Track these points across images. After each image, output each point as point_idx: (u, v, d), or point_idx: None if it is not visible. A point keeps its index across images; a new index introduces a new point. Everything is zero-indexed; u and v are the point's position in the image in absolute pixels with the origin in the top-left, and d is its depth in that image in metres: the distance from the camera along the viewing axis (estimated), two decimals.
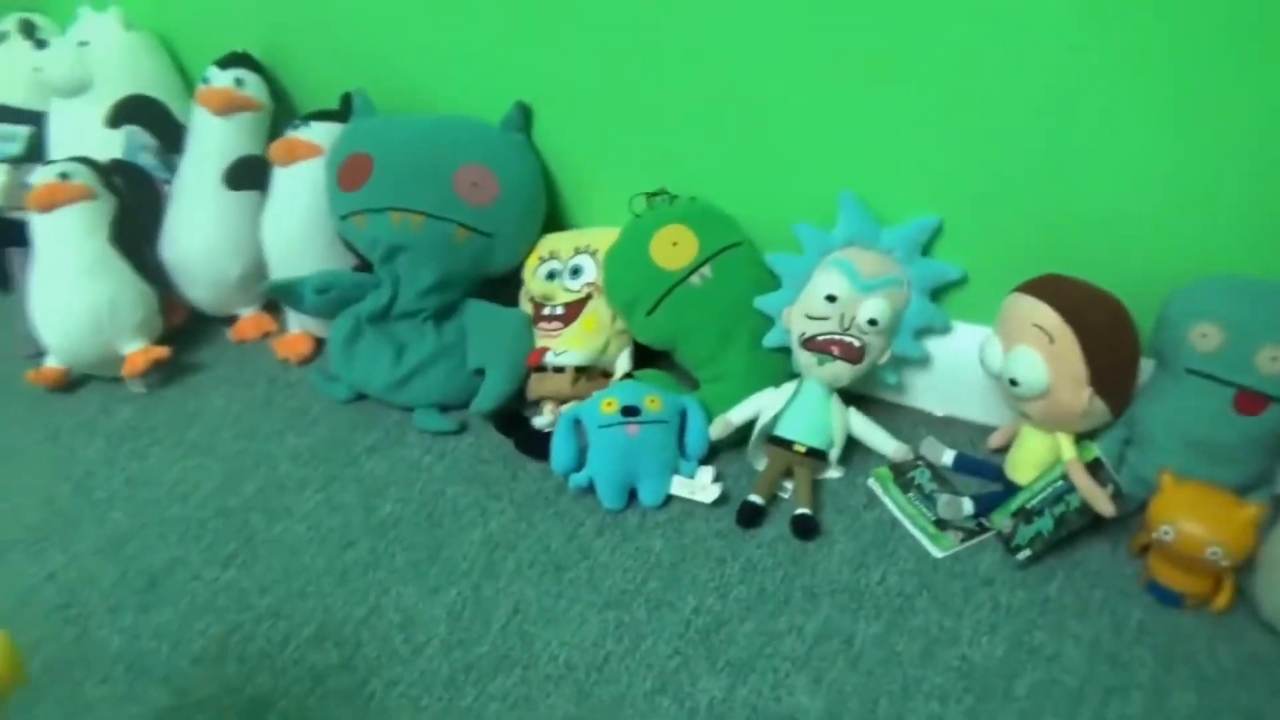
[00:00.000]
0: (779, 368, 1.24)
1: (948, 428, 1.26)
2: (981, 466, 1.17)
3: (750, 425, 1.20)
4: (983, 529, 1.10)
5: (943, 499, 1.11)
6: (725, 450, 1.24)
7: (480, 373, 1.34)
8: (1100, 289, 1.03)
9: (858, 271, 1.14)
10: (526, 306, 1.40)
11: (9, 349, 1.57)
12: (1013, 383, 1.04)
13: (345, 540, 1.20)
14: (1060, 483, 1.03)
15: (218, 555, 1.19)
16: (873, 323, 1.15)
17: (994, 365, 1.06)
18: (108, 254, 1.45)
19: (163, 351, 1.47)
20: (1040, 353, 1.01)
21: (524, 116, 1.38)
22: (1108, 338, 1.01)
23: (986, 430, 1.24)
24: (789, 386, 1.20)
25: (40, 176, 1.43)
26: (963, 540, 1.09)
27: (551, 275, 1.36)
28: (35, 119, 1.66)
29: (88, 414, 1.47)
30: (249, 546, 1.20)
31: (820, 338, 1.17)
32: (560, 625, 1.06)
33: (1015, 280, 1.07)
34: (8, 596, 1.16)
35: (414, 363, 1.35)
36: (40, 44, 1.57)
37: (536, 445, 1.26)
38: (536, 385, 1.33)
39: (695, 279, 1.23)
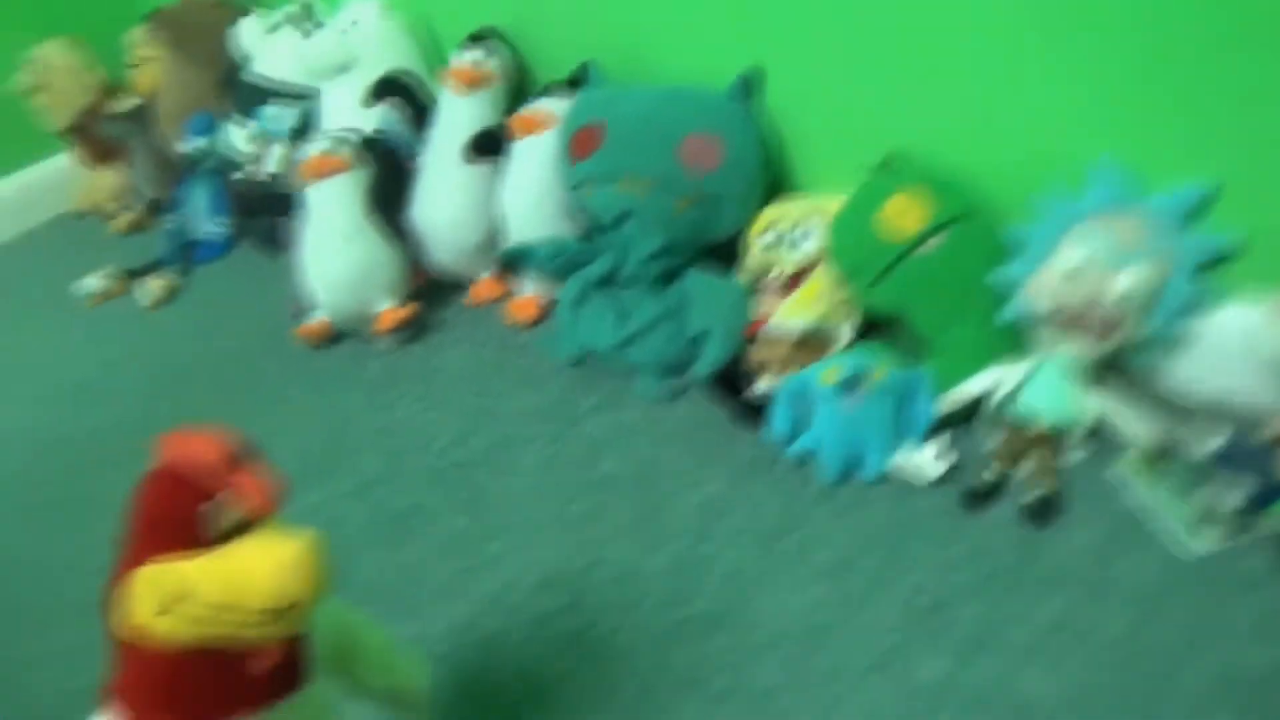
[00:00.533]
0: (1016, 341, 1.17)
1: (1215, 409, 1.13)
2: (1251, 458, 1.05)
3: (983, 401, 1.14)
4: (1251, 525, 0.98)
5: (1204, 490, 1.00)
6: (955, 427, 1.18)
7: (700, 339, 1.35)
8: None
9: (1111, 242, 1.05)
10: (749, 275, 1.39)
11: (280, 309, 1.74)
12: None
13: (568, 495, 1.24)
14: None
15: (454, 503, 1.28)
16: (1126, 299, 1.05)
17: (1273, 347, 0.95)
18: (365, 221, 1.58)
19: (410, 311, 1.59)
20: None
21: (750, 85, 1.37)
22: None
23: (1262, 414, 1.10)
24: (1029, 361, 1.12)
25: (310, 150, 1.57)
26: (1225, 539, 0.98)
27: (775, 243, 1.34)
28: (308, 96, 1.82)
29: (344, 367, 1.60)
30: (480, 496, 1.28)
31: (1069, 308, 1.08)
32: (775, 592, 1.05)
33: None
34: None
35: (637, 326, 1.37)
36: (316, 25, 1.73)
37: (754, 414, 1.26)
38: (756, 353, 1.32)
39: (924, 249, 1.17)
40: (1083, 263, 1.06)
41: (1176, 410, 1.13)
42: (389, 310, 1.58)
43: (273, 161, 1.81)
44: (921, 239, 1.17)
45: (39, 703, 1.11)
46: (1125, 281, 1.05)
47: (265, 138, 1.83)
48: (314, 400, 1.54)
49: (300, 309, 1.66)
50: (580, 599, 1.09)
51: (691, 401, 1.35)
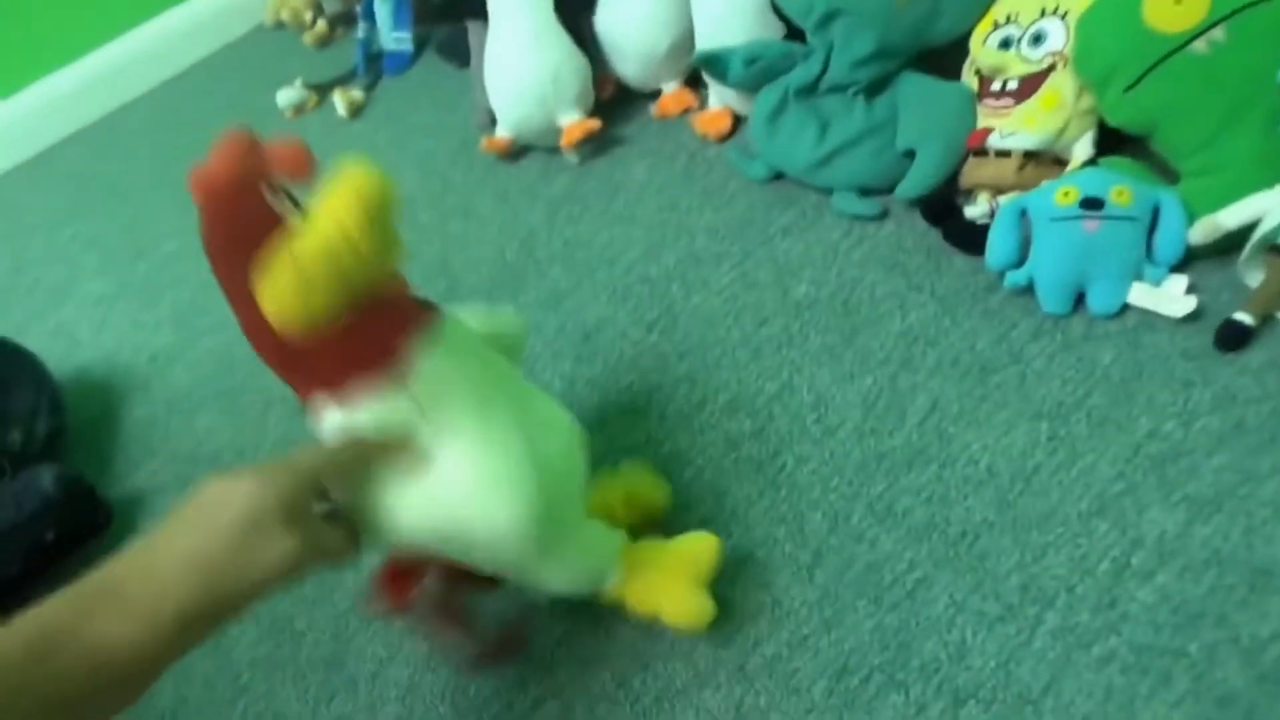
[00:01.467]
0: None
1: None
2: None
3: (1246, 232, 0.99)
4: None
5: None
6: (1207, 259, 1.04)
7: (911, 155, 1.23)
8: None
9: None
10: (971, 80, 1.24)
11: (467, 118, 1.73)
12: None
13: (759, 317, 1.19)
14: None
15: (642, 318, 1.25)
16: None
17: None
18: (552, 25, 1.51)
19: (595, 123, 1.53)
20: None
21: None
22: None
23: None
24: None
25: None
26: None
27: (1006, 43, 1.18)
28: None
29: (529, 180, 1.58)
30: (669, 313, 1.25)
31: None
32: (983, 428, 0.98)
33: None
34: None
35: (839, 140, 1.27)
36: None
37: (968, 237, 1.15)
38: (973, 171, 1.20)
39: (1200, 44, 1.00)
40: None
41: None
42: (574, 123, 1.53)
43: None
44: (1199, 31, 0.99)
45: None
46: None
47: None
48: (500, 212, 1.53)
49: (486, 120, 1.63)
50: (770, 424, 1.06)
51: (898, 222, 1.25)
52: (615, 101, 1.63)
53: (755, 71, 1.34)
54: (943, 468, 0.96)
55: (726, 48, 1.36)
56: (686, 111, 1.57)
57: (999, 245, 1.07)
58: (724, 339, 1.18)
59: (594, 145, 1.57)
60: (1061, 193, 1.04)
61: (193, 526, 0.63)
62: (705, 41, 1.44)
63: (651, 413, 1.13)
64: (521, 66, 1.52)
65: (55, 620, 0.58)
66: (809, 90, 1.29)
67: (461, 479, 0.72)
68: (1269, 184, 0.98)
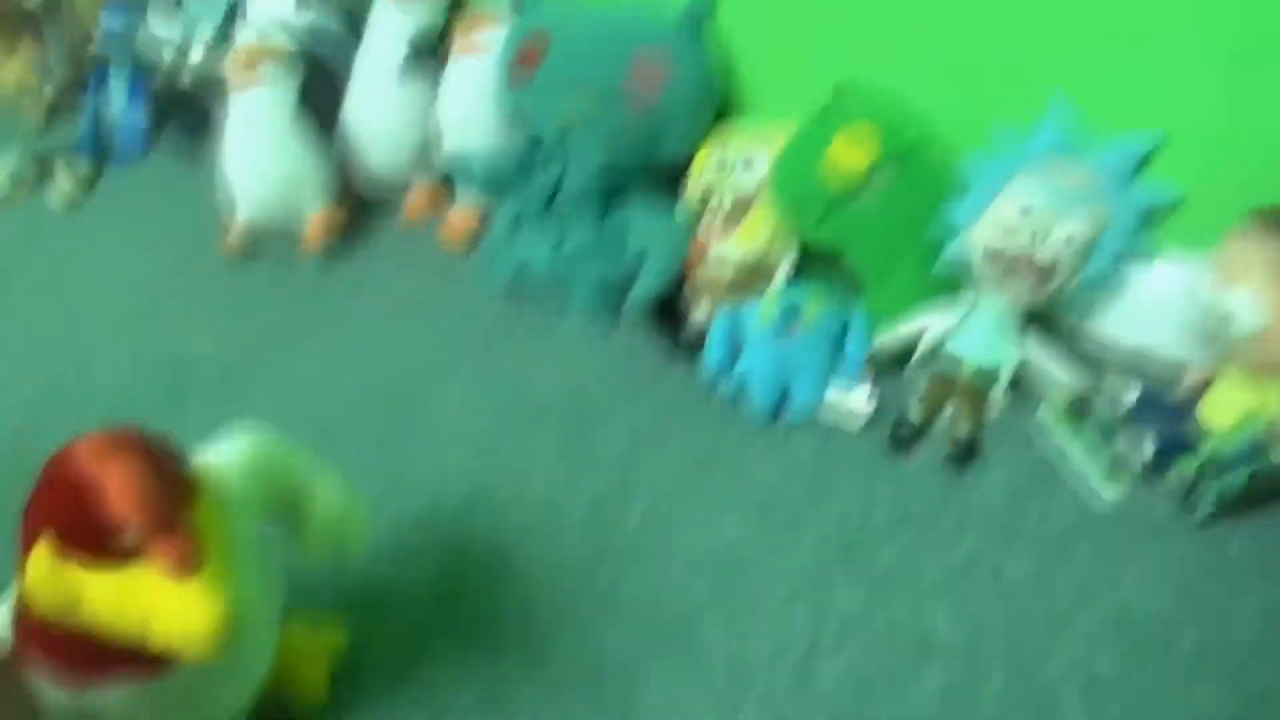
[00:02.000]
0: (952, 285, 1.17)
1: (1134, 362, 1.16)
2: (1169, 409, 1.07)
3: (915, 343, 1.15)
4: (1161, 476, 1.01)
5: (1122, 438, 1.03)
6: (887, 368, 1.19)
7: (639, 264, 1.33)
8: None
9: (1059, 185, 1.05)
10: (692, 201, 1.36)
11: (199, 216, 1.63)
12: (1224, 320, 0.94)
13: (495, 421, 1.23)
14: (1261, 437, 0.93)
15: (380, 424, 1.25)
16: (1068, 242, 1.06)
17: (1208, 299, 0.97)
18: (294, 128, 1.50)
19: (341, 215, 1.53)
20: (1267, 292, 0.91)
21: (704, 8, 1.32)
22: None
23: (1178, 369, 1.13)
24: (963, 303, 1.13)
25: (242, 40, 1.48)
26: (1135, 488, 1.01)
27: (720, 169, 1.32)
28: None
29: (268, 286, 1.52)
30: (408, 417, 1.25)
31: (1007, 253, 1.08)
32: (699, 525, 1.06)
33: (1237, 208, 0.96)
34: None
35: (574, 246, 1.35)
36: None
37: (689, 345, 1.25)
38: (694, 282, 1.31)
39: (870, 189, 1.16)
40: (1027, 208, 1.06)
41: (1098, 363, 1.15)
42: (319, 216, 1.52)
43: (198, 52, 1.70)
44: (865, 180, 1.15)
45: None
46: (1067, 228, 1.05)
47: (190, 26, 1.72)
48: (233, 323, 1.47)
49: (227, 222, 1.57)
50: (503, 522, 1.09)
51: (627, 330, 1.33)
52: (359, 207, 1.61)
53: (497, 180, 1.40)
54: (663, 563, 1.03)
55: (470, 156, 1.42)
56: (433, 213, 1.59)
57: (714, 352, 1.18)
58: (460, 440, 1.21)
59: (336, 241, 1.55)
60: (766, 304, 1.16)
61: None
62: (450, 147, 1.49)
63: (387, 514, 1.10)
64: (264, 165, 1.50)
65: None
66: (548, 201, 1.37)
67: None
68: (932, 305, 1.15)
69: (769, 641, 0.93)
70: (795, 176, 1.21)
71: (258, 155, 1.51)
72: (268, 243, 1.56)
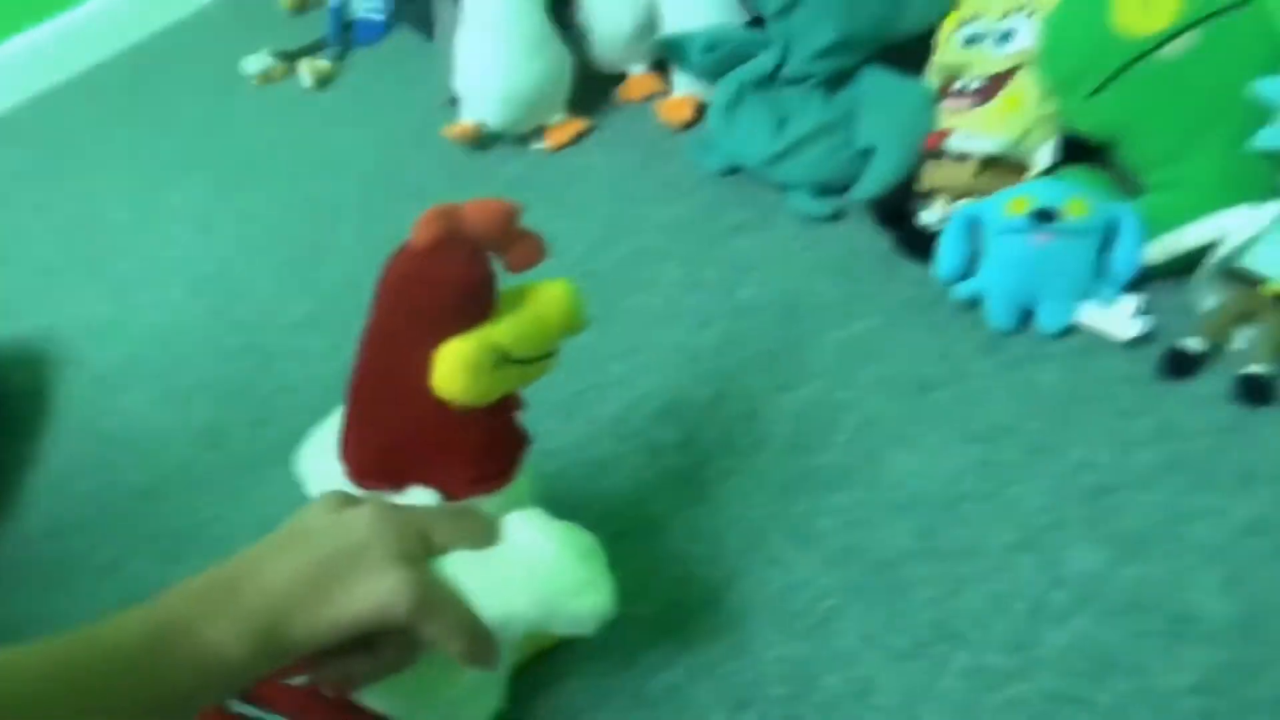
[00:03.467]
0: (1264, 181, 0.94)
1: None
2: None
3: (1204, 254, 0.93)
4: None
5: None
6: (1163, 280, 0.98)
7: (869, 154, 1.18)
8: None
9: None
10: (937, 78, 1.18)
11: (432, 95, 1.66)
12: None
13: (700, 319, 1.14)
14: None
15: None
16: None
17: None
18: (548, 29, 1.43)
19: (583, 125, 1.48)
20: None
21: None
22: None
23: None
24: (1272, 206, 0.90)
25: None
26: None
27: (973, 40, 1.12)
28: None
29: (485, 163, 1.52)
30: (609, 311, 1.20)
31: None
32: (915, 450, 0.93)
33: None
34: None
35: (796, 134, 1.21)
36: None
37: (920, 244, 1.10)
38: (931, 174, 1.14)
39: (1171, 49, 0.94)
40: None
41: None
42: (561, 124, 1.48)
43: None
44: (1171, 35, 0.93)
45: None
46: None
47: None
48: (451, 195, 1.46)
49: (448, 102, 1.57)
50: (698, 433, 1.02)
51: (851, 225, 1.20)
52: (581, 83, 1.57)
53: (715, 59, 1.28)
54: (869, 490, 0.91)
55: (688, 32, 1.30)
56: (652, 97, 1.52)
57: (948, 256, 1.02)
58: (662, 341, 1.14)
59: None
60: (1014, 203, 0.98)
61: (307, 544, 0.61)
62: (670, 25, 1.38)
63: (579, 416, 1.08)
64: (516, 71, 1.42)
65: (173, 616, 0.56)
66: (767, 81, 1.24)
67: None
68: (1231, 204, 0.93)
69: (984, 597, 0.81)
70: (1075, 36, 1.00)
71: (500, 59, 1.43)
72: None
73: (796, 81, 1.22)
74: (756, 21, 1.28)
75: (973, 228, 1.02)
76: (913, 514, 0.88)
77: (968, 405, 0.95)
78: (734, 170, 1.31)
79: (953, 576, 0.83)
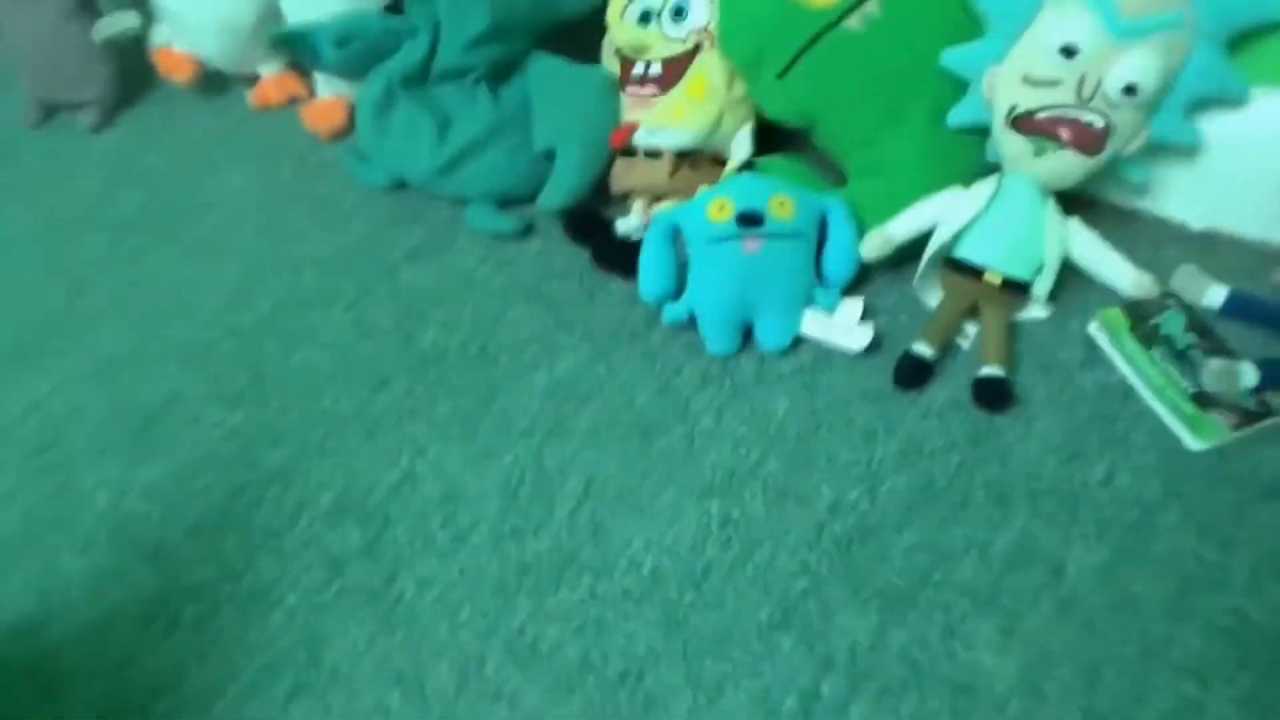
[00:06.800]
0: (968, 158, 0.87)
1: (1210, 250, 0.87)
2: (1267, 312, 0.80)
3: (920, 242, 0.85)
4: (1269, 412, 0.74)
5: (1210, 363, 0.75)
6: (881, 275, 0.89)
7: (550, 155, 1.01)
8: None
9: (1117, 8, 0.73)
10: (612, 63, 1.03)
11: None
12: None
13: (377, 377, 0.93)
14: None
15: (224, 390, 0.95)
16: (1129, 91, 0.75)
17: None
18: None
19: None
20: None
21: None
22: None
23: (1271, 256, 0.85)
24: (983, 187, 0.83)
25: None
26: (1236, 426, 0.74)
27: (645, 17, 0.98)
28: None
29: (89, 193, 1.21)
30: (261, 381, 0.95)
31: (1042, 115, 0.78)
32: (647, 516, 0.78)
33: None
34: None
35: (463, 140, 1.02)
36: None
37: (621, 257, 0.94)
38: (623, 174, 0.99)
39: (854, 20, 0.84)
40: (1077, 36, 0.74)
41: (1166, 242, 0.86)
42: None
43: None
44: (851, 5, 0.83)
45: None
46: (1136, 64, 0.74)
47: None
48: (43, 242, 1.15)
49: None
50: (386, 532, 0.81)
51: (543, 241, 1.03)
52: (201, 91, 1.28)
53: (353, 54, 1.05)
54: (599, 578, 0.75)
55: (313, 24, 1.06)
56: (293, 101, 1.26)
57: (651, 272, 0.87)
58: (330, 412, 0.91)
59: (178, 144, 1.23)
60: (715, 206, 0.85)
61: None
62: (292, 14, 1.13)
63: (230, 530, 0.84)
64: None
65: None
66: (420, 78, 1.03)
67: None
68: (938, 186, 0.85)
69: (750, 697, 0.67)
70: (749, 18, 0.88)
71: None
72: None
73: (454, 76, 1.02)
74: (395, 8, 1.06)
75: (675, 237, 0.88)
76: (654, 601, 0.73)
77: (699, 450, 0.82)
78: (400, 185, 1.09)
79: (711, 678, 0.68)
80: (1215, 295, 0.80)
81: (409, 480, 0.85)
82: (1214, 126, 0.80)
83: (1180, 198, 0.86)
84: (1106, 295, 0.84)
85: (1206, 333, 0.79)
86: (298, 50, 1.09)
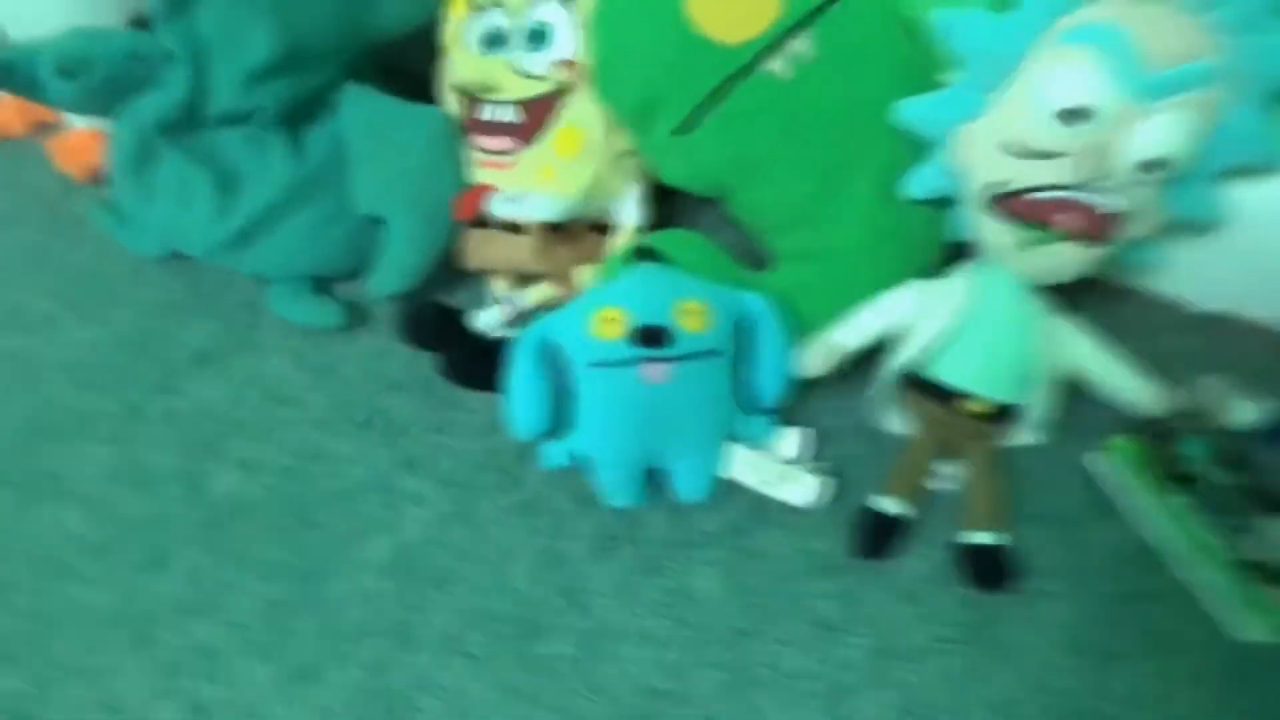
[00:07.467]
0: (927, 238, 0.66)
1: (1220, 338, 0.69)
2: None
3: (874, 355, 0.64)
4: None
5: (1268, 527, 0.58)
6: (825, 384, 0.69)
7: (377, 221, 0.75)
8: None
9: (1138, 58, 0.53)
10: (452, 102, 0.77)
11: None
12: None
13: (151, 550, 0.68)
14: None
15: None
16: (1153, 167, 0.56)
17: None
18: None
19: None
20: None
21: None
22: None
23: None
24: (954, 284, 0.63)
25: None
26: None
27: (495, 42, 0.72)
28: None
29: None
30: None
31: (1034, 195, 0.58)
32: None
33: None
34: None
35: (256, 203, 0.75)
36: None
37: (480, 364, 0.70)
38: (476, 250, 0.75)
39: (776, 64, 0.61)
40: (1086, 98, 0.54)
41: (1164, 330, 0.69)
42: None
43: None
44: (772, 41, 0.60)
45: None
46: (1164, 132, 0.54)
47: None
48: None
49: None
50: None
51: (373, 335, 0.78)
52: None
53: (87, 87, 0.76)
54: None
55: (33, 45, 0.76)
56: (39, 129, 0.95)
57: (522, 400, 0.64)
58: (84, 608, 0.66)
59: None
60: (600, 320, 0.62)
61: None
62: (12, 27, 0.83)
63: None
64: None
65: None
66: (185, 122, 0.75)
67: None
68: (889, 274, 0.64)
69: None
70: (634, 54, 0.64)
71: None
72: None
73: (235, 120, 0.75)
74: (142, 22, 0.77)
75: (552, 356, 0.64)
76: None
77: (598, 656, 0.60)
78: (180, 254, 0.82)
79: None
80: (1250, 411, 0.63)
81: (196, 716, 0.61)
82: (1231, 189, 0.62)
83: (1183, 273, 0.69)
84: (1103, 414, 0.65)
85: (1242, 464, 0.61)
86: (14, 81, 0.78)
